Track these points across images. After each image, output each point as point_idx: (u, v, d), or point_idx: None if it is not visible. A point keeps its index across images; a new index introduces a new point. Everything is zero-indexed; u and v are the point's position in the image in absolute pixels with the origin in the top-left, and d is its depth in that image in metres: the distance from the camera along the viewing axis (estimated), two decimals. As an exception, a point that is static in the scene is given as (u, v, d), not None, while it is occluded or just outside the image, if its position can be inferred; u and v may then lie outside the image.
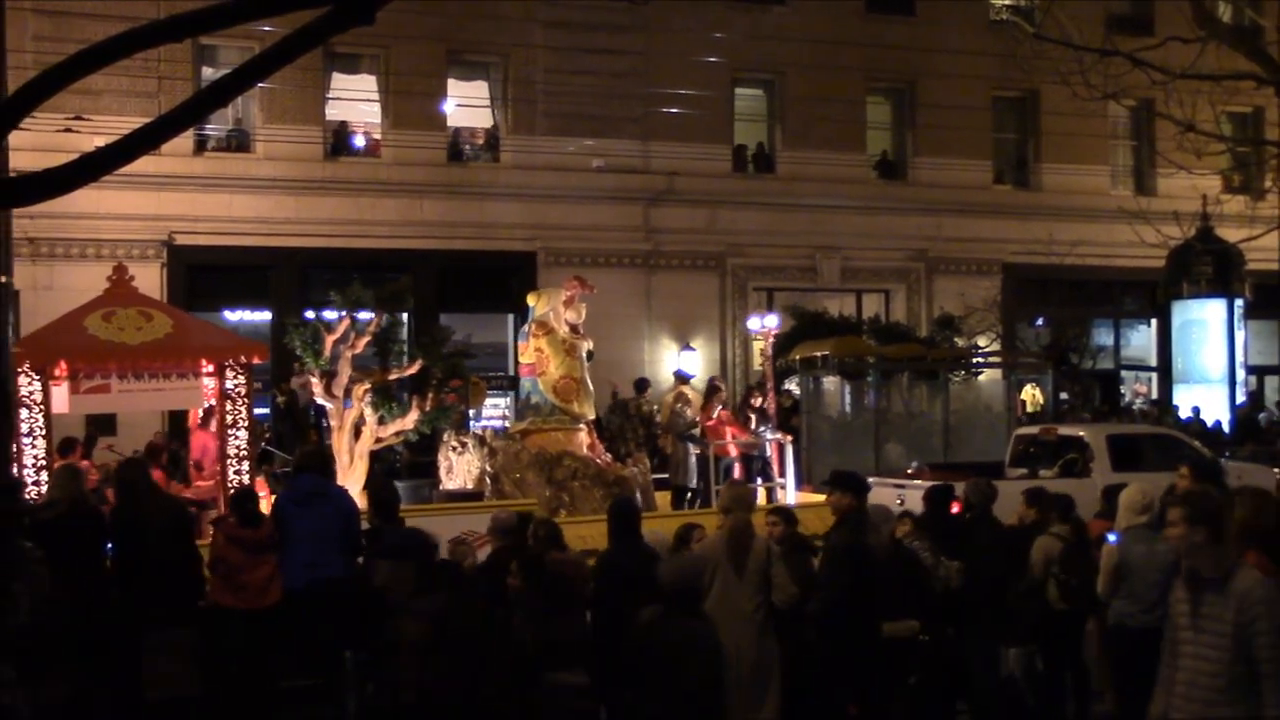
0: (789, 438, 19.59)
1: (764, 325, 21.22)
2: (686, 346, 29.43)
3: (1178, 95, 18.28)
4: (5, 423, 6.81)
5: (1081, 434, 19.18)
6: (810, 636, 9.71)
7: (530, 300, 18.39)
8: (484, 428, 19.80)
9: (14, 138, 5.96)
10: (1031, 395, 29.74)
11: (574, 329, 17.83)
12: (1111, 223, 29.04)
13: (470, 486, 16.94)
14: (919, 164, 32.22)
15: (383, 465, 19.43)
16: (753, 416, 20.11)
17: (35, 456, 13.79)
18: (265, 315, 26.87)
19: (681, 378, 20.80)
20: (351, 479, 16.61)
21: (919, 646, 9.88)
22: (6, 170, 6.69)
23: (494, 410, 24.82)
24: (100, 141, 5.71)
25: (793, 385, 25.33)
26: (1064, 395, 30.49)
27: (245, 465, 14.78)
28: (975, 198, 32.02)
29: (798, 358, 24.38)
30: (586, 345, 18.09)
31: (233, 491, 13.15)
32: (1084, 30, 19.41)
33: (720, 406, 19.28)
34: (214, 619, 10.53)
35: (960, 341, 29.09)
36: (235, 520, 10.86)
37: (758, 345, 30.18)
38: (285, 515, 10.76)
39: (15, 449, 13.60)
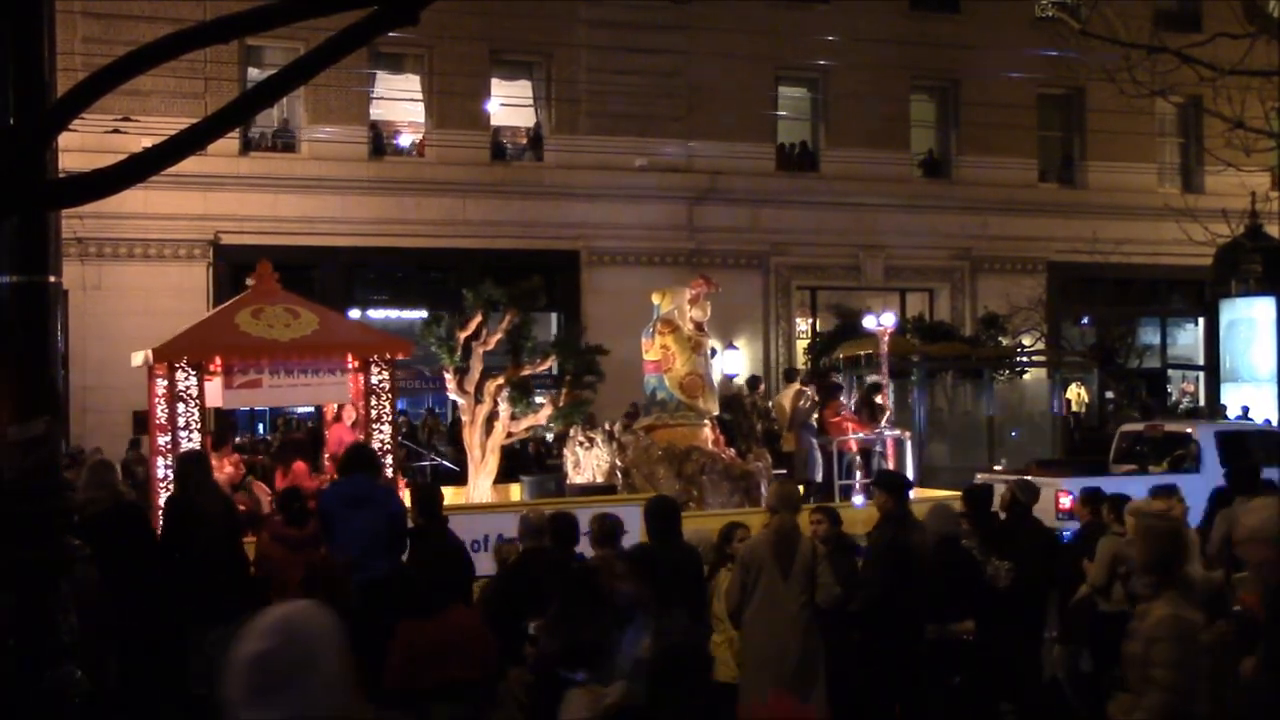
0: (907, 434, 19.62)
1: (880, 324, 21.15)
2: (730, 345, 29.34)
3: (1226, 91, 18.05)
4: (56, 423, 6.84)
5: (1189, 430, 19.15)
6: (855, 636, 9.69)
7: (655, 298, 18.41)
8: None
9: (62, 139, 5.99)
10: (1077, 395, 29.54)
11: (699, 326, 17.95)
12: (1158, 221, 28.77)
13: (599, 480, 17.09)
14: (963, 162, 32.06)
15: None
16: (881, 412, 20.11)
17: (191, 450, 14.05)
18: (310, 314, 27.03)
19: (791, 376, 21.13)
20: (484, 473, 16.91)
21: (964, 646, 9.84)
22: (55, 171, 6.73)
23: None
24: (148, 142, 5.75)
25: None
26: (1109, 394, 30.28)
27: (389, 459, 14.65)
28: (1020, 196, 31.84)
29: (841, 356, 24.29)
30: (710, 343, 18.22)
31: (279, 491, 13.21)
32: (1131, 27, 19.19)
33: (841, 404, 19.46)
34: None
35: (1005, 341, 28.92)
36: (282, 519, 10.91)
37: (801, 344, 30.21)
38: (331, 515, 10.75)
39: (171, 441, 13.91)
